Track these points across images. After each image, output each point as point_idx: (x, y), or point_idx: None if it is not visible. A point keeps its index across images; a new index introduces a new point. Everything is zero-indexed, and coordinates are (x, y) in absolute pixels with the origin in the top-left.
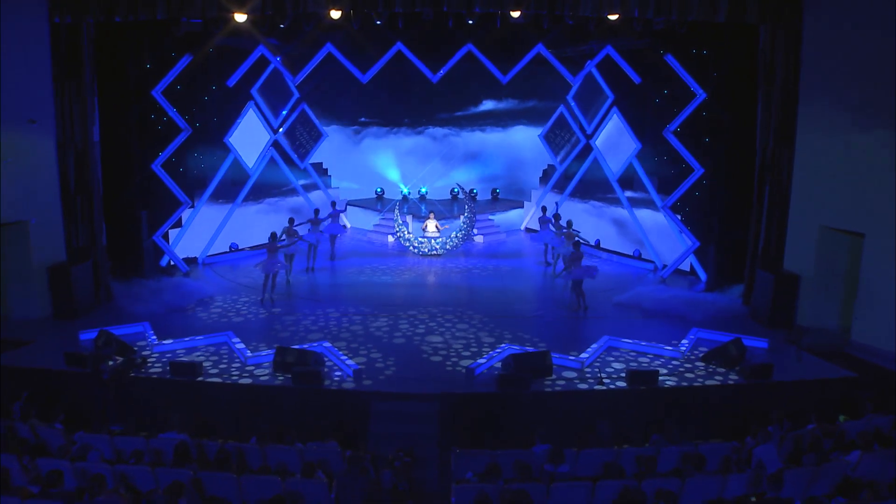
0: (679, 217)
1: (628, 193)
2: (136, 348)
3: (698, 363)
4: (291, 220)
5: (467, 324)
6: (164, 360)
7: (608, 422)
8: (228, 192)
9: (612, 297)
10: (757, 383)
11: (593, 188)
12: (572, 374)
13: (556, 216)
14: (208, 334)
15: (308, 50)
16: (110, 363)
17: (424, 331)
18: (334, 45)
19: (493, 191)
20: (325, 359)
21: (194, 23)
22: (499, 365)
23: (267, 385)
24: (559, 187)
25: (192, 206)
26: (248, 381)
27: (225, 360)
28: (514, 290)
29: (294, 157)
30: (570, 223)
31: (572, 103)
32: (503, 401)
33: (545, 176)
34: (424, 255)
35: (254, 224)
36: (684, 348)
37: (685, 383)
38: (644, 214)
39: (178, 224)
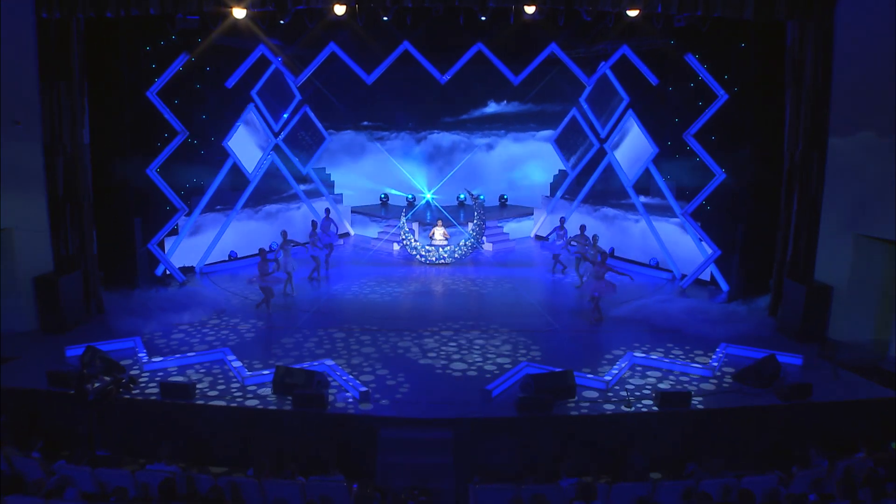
0: (699, 224)
1: (644, 199)
2: (124, 366)
3: (730, 382)
4: (284, 234)
5: (480, 338)
6: (157, 378)
7: (641, 452)
8: (227, 198)
9: (629, 307)
10: (795, 404)
11: (606, 194)
12: (595, 395)
13: (582, 227)
14: (203, 351)
15: (311, 51)
16: (96, 383)
17: (434, 347)
18: (338, 44)
19: (501, 197)
20: (329, 378)
21: (191, 19)
22: (517, 385)
23: (266, 409)
24: (571, 193)
25: (189, 213)
26: (246, 403)
27: (221, 380)
28: (527, 301)
29: (296, 161)
30: (595, 238)
31: (585, 106)
32: (524, 426)
33: (556, 182)
34: (432, 264)
35: (254, 231)
36: (715, 365)
37: (719, 405)
38: (660, 221)
39: (175, 232)
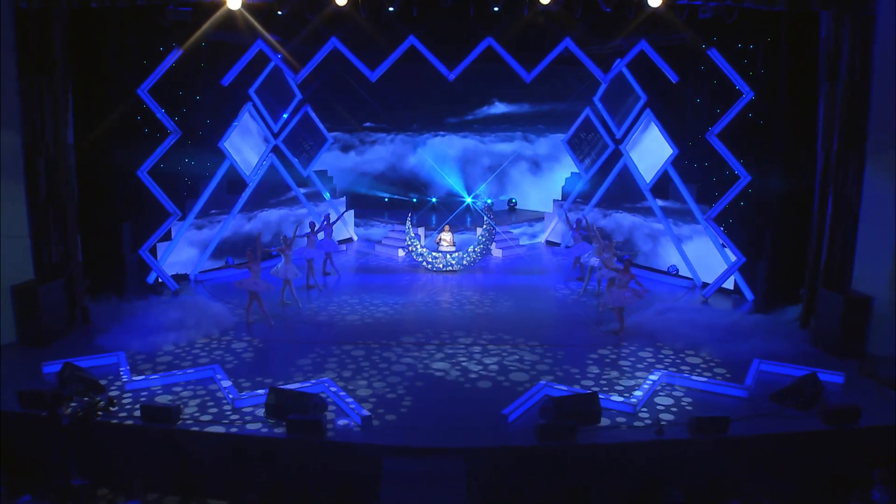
0: (722, 229)
1: (662, 203)
2: (104, 385)
3: (767, 403)
4: (285, 239)
5: (492, 354)
6: (142, 398)
7: (676, 485)
8: (224, 201)
9: (650, 318)
10: (842, 429)
11: (621, 197)
12: (622, 419)
13: (578, 221)
14: (192, 369)
15: (312, 48)
16: (71, 405)
17: (442, 363)
18: (340, 40)
19: (510, 201)
20: (328, 400)
21: (182, 11)
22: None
23: (256, 436)
24: (583, 197)
25: (183, 218)
26: (234, 430)
27: (210, 402)
28: (540, 311)
29: (296, 163)
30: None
31: (599, 105)
32: (545, 456)
33: (568, 184)
34: (439, 271)
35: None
36: (749, 385)
37: (759, 430)
38: (678, 226)
39: (168, 237)
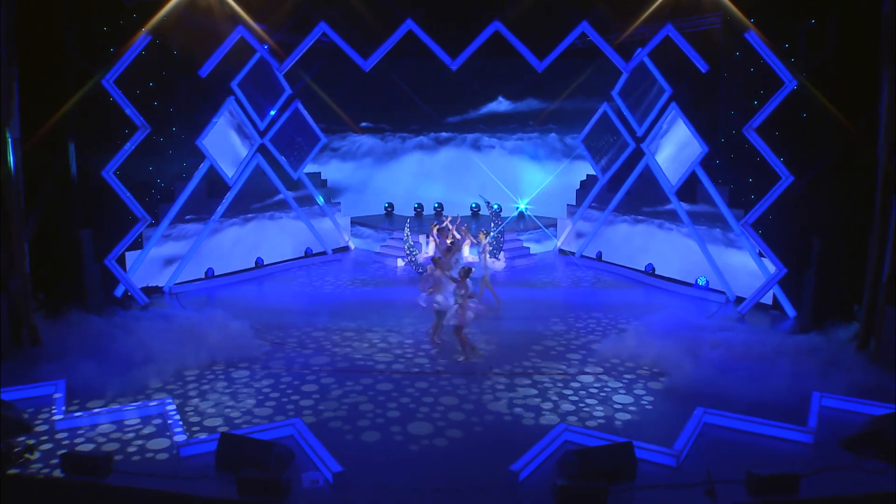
0: (759, 236)
1: (688, 207)
2: (31, 424)
3: (838, 450)
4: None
5: (495, 388)
6: (79, 440)
7: None
8: (204, 206)
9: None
10: None
11: (641, 201)
12: (663, 472)
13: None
14: (139, 403)
15: (301, 37)
16: None
17: (431, 399)
18: (330, 25)
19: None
20: (296, 449)
21: None
22: (554, 461)
23: (202, 497)
24: (601, 201)
25: (157, 224)
26: (177, 487)
27: (151, 448)
28: (554, 332)
29: (286, 165)
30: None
31: (618, 100)
32: None
33: (583, 188)
34: None
35: (236, 245)
36: (812, 427)
37: (834, 491)
38: (707, 233)
39: (139, 245)
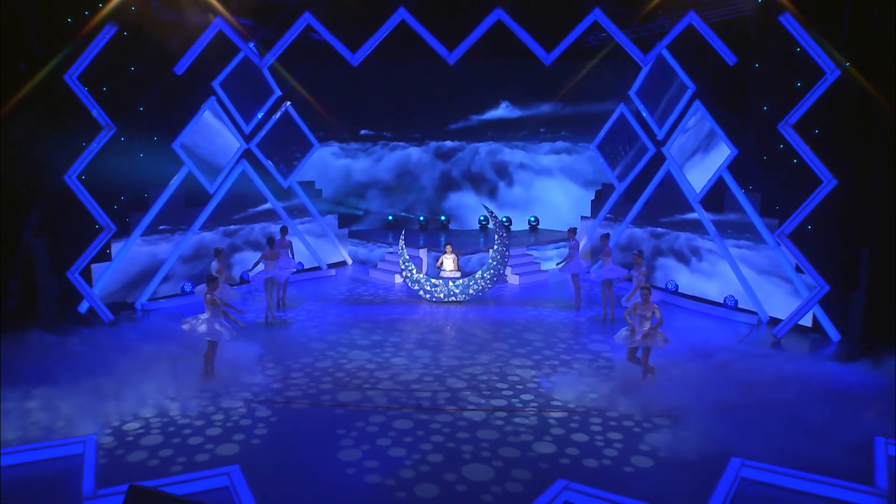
0: (798, 249)
1: (714, 218)
2: None
3: None
4: (218, 251)
5: (498, 432)
6: None
7: None
8: (181, 216)
9: (707, 367)
10: None
11: (661, 210)
12: None
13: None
14: (61, 440)
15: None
16: None
17: (413, 440)
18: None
19: (531, 220)
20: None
21: None
22: None
23: None
24: (617, 212)
25: (129, 234)
26: None
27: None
28: (567, 358)
29: (274, 172)
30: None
31: (636, 101)
32: None
33: (598, 198)
34: (439, 302)
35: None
36: (882, 488)
37: None
38: (734, 245)
39: (106, 257)
